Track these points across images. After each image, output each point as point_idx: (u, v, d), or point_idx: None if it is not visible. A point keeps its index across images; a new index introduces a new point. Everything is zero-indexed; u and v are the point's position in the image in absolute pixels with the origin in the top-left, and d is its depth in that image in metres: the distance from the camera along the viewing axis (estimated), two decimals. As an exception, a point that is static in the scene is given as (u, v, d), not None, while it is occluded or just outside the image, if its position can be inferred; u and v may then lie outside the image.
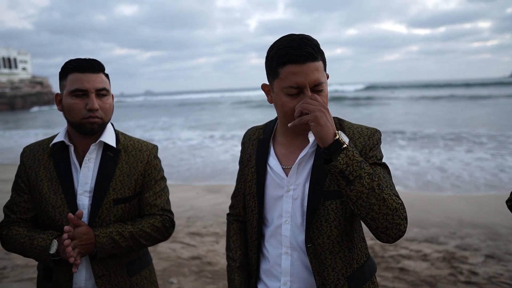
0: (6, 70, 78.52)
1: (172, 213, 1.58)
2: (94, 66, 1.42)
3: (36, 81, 78.34)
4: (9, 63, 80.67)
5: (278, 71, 1.21)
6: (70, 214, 1.34)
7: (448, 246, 4.20)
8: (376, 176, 1.11)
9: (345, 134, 1.28)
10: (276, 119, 1.40)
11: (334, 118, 1.35)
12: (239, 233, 1.50)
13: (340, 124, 1.33)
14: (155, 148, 1.59)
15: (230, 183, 7.09)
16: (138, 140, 1.58)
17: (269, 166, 1.34)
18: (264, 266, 1.38)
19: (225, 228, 4.86)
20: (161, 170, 1.59)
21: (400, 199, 1.16)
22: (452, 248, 4.14)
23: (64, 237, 1.31)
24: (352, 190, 1.09)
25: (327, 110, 1.12)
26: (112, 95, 1.52)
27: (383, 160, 1.29)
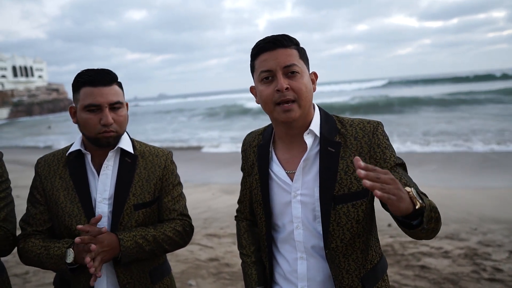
0: (23, 79, 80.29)
1: (190, 217, 1.59)
2: (105, 79, 1.40)
3: (52, 88, 79.90)
4: (25, 71, 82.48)
5: (254, 64, 1.27)
6: (80, 226, 1.30)
7: (469, 242, 4.11)
8: (434, 207, 1.08)
9: (348, 133, 1.26)
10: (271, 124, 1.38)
11: (332, 116, 1.34)
12: (249, 230, 1.49)
13: (341, 122, 1.31)
14: (170, 153, 1.59)
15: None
16: (154, 147, 1.58)
17: (273, 172, 1.32)
18: (279, 271, 1.37)
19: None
20: (178, 175, 1.60)
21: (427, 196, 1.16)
22: (474, 244, 4.05)
23: (77, 241, 1.28)
24: (424, 230, 1.06)
25: (394, 179, 0.98)
26: (127, 104, 1.51)
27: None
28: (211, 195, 6.82)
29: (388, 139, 1.28)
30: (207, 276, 3.67)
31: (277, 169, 1.31)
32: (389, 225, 4.75)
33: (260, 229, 1.38)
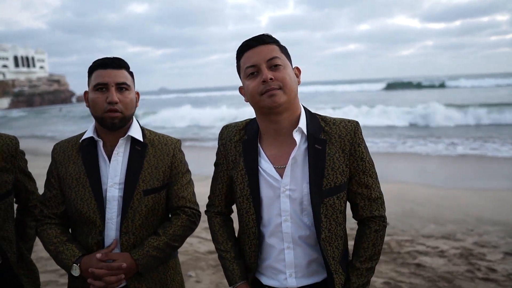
0: (24, 69, 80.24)
1: (197, 204, 1.64)
2: (115, 63, 1.50)
3: (53, 79, 79.78)
4: (27, 62, 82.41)
5: (239, 63, 1.36)
6: (99, 255, 1.42)
7: (465, 242, 4.17)
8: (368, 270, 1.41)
9: (332, 131, 1.36)
10: (254, 118, 1.43)
11: (315, 114, 1.41)
12: (224, 226, 1.51)
13: (324, 121, 1.39)
14: (179, 142, 1.64)
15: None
16: (163, 135, 1.64)
17: (261, 168, 1.36)
18: (265, 262, 1.42)
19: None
20: (186, 163, 1.65)
21: (381, 194, 1.42)
22: (470, 244, 4.11)
23: (93, 274, 1.40)
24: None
25: None
26: (138, 93, 1.58)
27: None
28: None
29: (364, 139, 1.40)
30: (206, 268, 3.73)
31: (266, 165, 1.36)
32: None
33: (245, 223, 1.41)
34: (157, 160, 1.55)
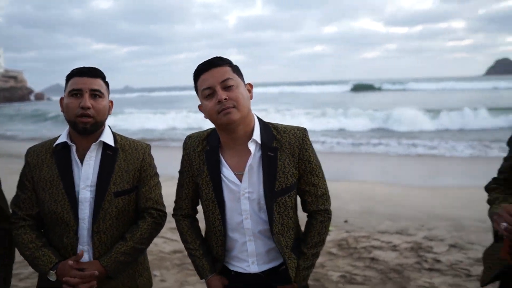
0: (-22, 65, 76.09)
1: (164, 205, 1.75)
2: (91, 72, 1.61)
3: (9, 75, 75.93)
4: (-19, 57, 78.12)
5: (196, 85, 1.53)
6: (71, 262, 1.52)
7: (416, 237, 4.47)
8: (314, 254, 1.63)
9: (283, 138, 1.55)
10: (215, 129, 1.59)
11: (268, 124, 1.59)
12: (191, 227, 1.69)
13: (276, 129, 1.58)
14: (148, 147, 1.75)
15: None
16: (134, 140, 1.74)
17: (223, 175, 1.56)
18: (230, 253, 1.64)
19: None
20: (155, 166, 1.76)
21: (326, 190, 1.64)
22: (420, 239, 4.41)
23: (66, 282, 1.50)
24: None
25: None
26: (111, 102, 1.69)
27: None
28: (175, 190, 6.92)
29: (311, 144, 1.60)
30: (171, 267, 3.82)
31: (227, 172, 1.55)
32: (345, 221, 5.06)
33: (212, 223, 1.60)
34: (127, 164, 1.65)
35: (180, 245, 4.30)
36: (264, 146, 1.53)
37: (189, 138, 1.65)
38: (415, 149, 10.89)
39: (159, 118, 21.15)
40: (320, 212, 1.63)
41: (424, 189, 6.69)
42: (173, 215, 1.73)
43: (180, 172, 1.67)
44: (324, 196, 1.63)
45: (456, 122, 15.75)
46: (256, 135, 1.53)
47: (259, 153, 1.53)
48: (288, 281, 1.59)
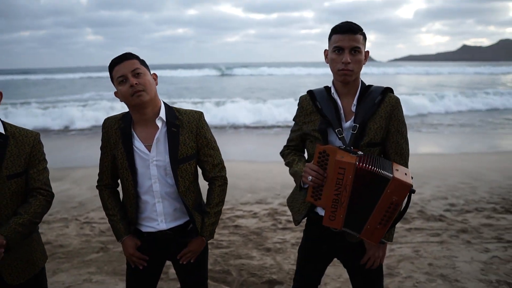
0: None
1: (51, 187, 1.89)
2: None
3: None
4: None
5: (112, 75, 1.87)
6: None
7: (273, 204, 5.20)
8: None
9: (184, 118, 1.92)
10: (128, 112, 1.93)
11: (172, 107, 1.94)
12: (112, 196, 2.01)
13: (178, 111, 1.94)
14: (38, 134, 1.88)
15: (76, 167, 6.96)
16: (23, 128, 1.86)
17: (135, 147, 1.88)
18: (143, 215, 1.95)
19: (73, 213, 4.96)
20: (44, 153, 1.89)
21: (221, 160, 2.02)
22: (276, 205, 5.15)
23: None
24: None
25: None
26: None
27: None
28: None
29: (207, 123, 1.99)
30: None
31: (138, 144, 1.88)
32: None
33: (127, 188, 1.92)
34: (18, 150, 1.77)
35: (48, 237, 4.26)
36: (168, 123, 1.88)
37: (107, 119, 1.96)
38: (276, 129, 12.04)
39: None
40: (217, 178, 2.00)
41: (278, 163, 7.57)
42: (96, 186, 2.02)
43: (101, 148, 1.96)
44: (220, 165, 2.01)
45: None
46: (162, 114, 1.88)
47: (164, 129, 1.88)
48: (195, 236, 1.95)
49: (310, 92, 1.97)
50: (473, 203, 5.12)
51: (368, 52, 1.87)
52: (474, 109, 15.60)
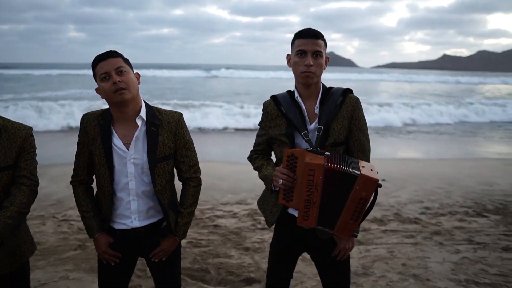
0: None
1: (37, 178, 1.88)
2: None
3: None
4: None
5: (95, 71, 1.86)
6: None
7: (253, 205, 5.24)
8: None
9: (164, 118, 1.93)
10: (108, 109, 1.92)
11: (152, 106, 1.95)
12: (86, 192, 1.99)
13: (158, 111, 1.95)
14: (30, 128, 1.87)
15: (53, 164, 6.86)
16: (16, 122, 1.85)
17: (114, 144, 1.87)
18: (116, 212, 1.95)
19: (51, 211, 4.90)
20: (35, 147, 1.89)
21: (197, 162, 2.03)
22: (256, 206, 5.18)
23: None
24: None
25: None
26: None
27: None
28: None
29: (186, 125, 2.00)
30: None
31: (116, 141, 1.87)
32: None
33: (102, 184, 1.90)
34: (10, 142, 1.78)
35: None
36: (148, 122, 1.89)
37: (86, 115, 1.94)
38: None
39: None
40: (192, 178, 2.01)
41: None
42: (71, 182, 1.99)
43: (77, 143, 1.94)
44: (195, 166, 2.02)
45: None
46: (143, 113, 1.89)
47: (144, 128, 1.88)
48: (168, 236, 1.97)
49: (273, 97, 2.02)
50: (447, 207, 5.28)
51: (328, 58, 1.96)
52: (458, 119, 15.85)
